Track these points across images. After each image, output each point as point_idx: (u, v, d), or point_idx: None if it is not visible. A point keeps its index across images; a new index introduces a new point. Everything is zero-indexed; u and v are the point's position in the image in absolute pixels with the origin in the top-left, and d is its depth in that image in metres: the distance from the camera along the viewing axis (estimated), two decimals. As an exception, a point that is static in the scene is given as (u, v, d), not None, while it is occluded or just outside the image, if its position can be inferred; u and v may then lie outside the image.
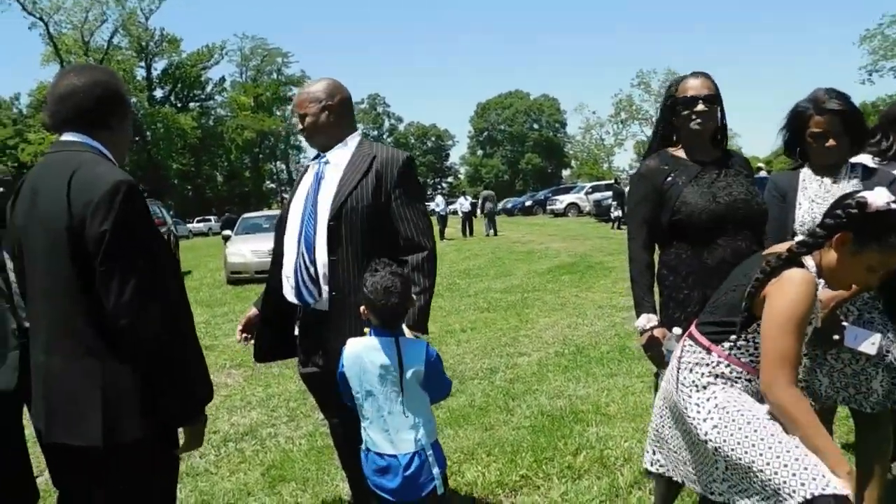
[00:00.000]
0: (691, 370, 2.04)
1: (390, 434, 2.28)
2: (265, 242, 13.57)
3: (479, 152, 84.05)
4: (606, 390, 4.88)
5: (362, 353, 2.29)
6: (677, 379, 2.08)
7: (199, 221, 48.46)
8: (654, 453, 2.27)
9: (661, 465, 2.25)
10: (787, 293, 1.81)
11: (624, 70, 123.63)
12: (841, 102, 2.57)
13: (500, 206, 35.97)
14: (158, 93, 59.77)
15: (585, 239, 18.53)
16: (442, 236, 23.64)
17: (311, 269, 2.59)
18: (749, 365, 1.99)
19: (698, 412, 2.00)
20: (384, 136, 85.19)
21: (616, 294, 8.95)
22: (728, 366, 2.01)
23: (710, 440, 1.95)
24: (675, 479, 2.19)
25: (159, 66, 59.45)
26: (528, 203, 42.03)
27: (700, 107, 2.56)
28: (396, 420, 2.26)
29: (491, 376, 5.50)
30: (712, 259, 2.50)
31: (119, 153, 2.04)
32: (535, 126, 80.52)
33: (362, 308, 2.30)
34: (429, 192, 78.07)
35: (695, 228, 2.51)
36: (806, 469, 1.76)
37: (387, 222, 2.63)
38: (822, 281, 2.59)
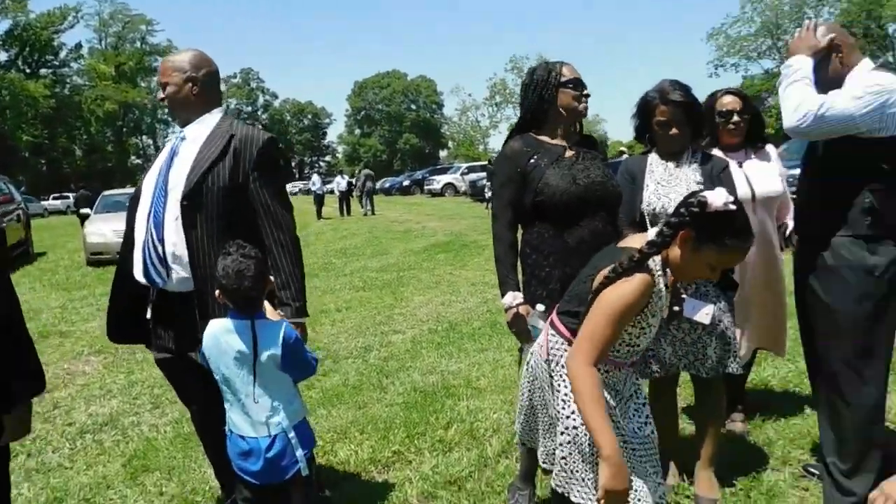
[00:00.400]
0: (558, 362, 2.08)
1: (250, 417, 2.25)
2: (127, 222, 12.87)
3: (357, 131, 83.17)
4: (477, 365, 5.03)
5: (219, 336, 2.24)
6: (549, 370, 2.11)
7: (55, 198, 44.95)
8: (523, 426, 2.34)
9: (528, 439, 2.35)
10: (623, 289, 1.88)
11: (498, 54, 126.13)
12: (683, 94, 2.77)
13: (378, 185, 35.80)
14: (2, 56, 54.54)
15: (461, 218, 18.85)
16: (319, 216, 23.26)
17: (159, 249, 2.48)
18: (608, 356, 2.00)
19: (564, 406, 2.04)
20: (258, 113, 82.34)
21: (489, 272, 9.17)
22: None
23: (565, 437, 2.02)
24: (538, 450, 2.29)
25: (2, 26, 54.18)
26: (405, 183, 42.12)
27: (587, 91, 2.70)
28: (254, 403, 2.24)
29: (365, 355, 5.53)
30: (572, 239, 2.60)
31: None
32: (413, 107, 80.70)
33: (217, 293, 2.24)
34: (306, 171, 76.46)
35: (556, 209, 2.59)
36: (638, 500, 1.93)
37: (245, 203, 2.55)
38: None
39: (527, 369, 2.30)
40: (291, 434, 2.24)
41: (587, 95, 2.70)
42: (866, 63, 2.50)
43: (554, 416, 2.10)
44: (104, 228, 12.56)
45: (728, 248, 1.88)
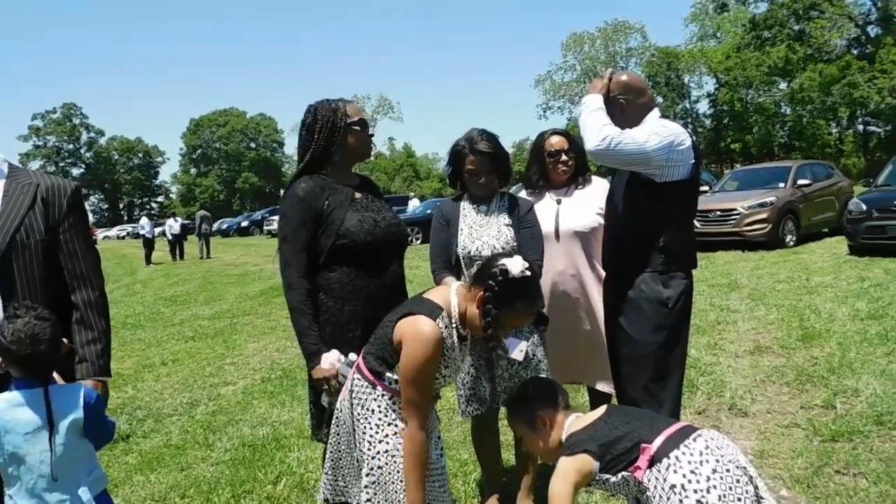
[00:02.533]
0: (363, 405, 2.10)
1: (44, 498, 2.01)
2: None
3: (193, 170, 79.69)
4: (308, 413, 4.89)
5: (3, 412, 1.99)
6: (352, 413, 2.13)
7: None
8: (331, 482, 2.30)
9: (336, 493, 2.30)
10: (416, 351, 1.98)
11: (339, 92, 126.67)
12: (490, 145, 2.91)
13: (215, 226, 34.36)
14: None
15: (303, 259, 18.46)
16: (148, 261, 21.89)
17: None
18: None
19: (370, 447, 2.07)
20: (81, 150, 76.62)
21: (328, 314, 9.06)
22: (391, 398, 2.09)
23: (370, 478, 2.06)
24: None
25: None
26: (244, 224, 40.84)
27: (372, 131, 2.73)
28: (51, 481, 2.00)
29: (191, 410, 5.21)
30: (375, 283, 2.57)
31: None
32: (253, 145, 78.87)
33: None
34: (135, 213, 71.86)
35: (358, 252, 2.53)
36: None
37: (56, 257, 2.33)
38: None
39: (334, 420, 2.27)
40: None
41: (371, 136, 2.73)
42: (655, 112, 2.84)
43: (359, 458, 2.11)
44: None
45: (516, 311, 2.03)
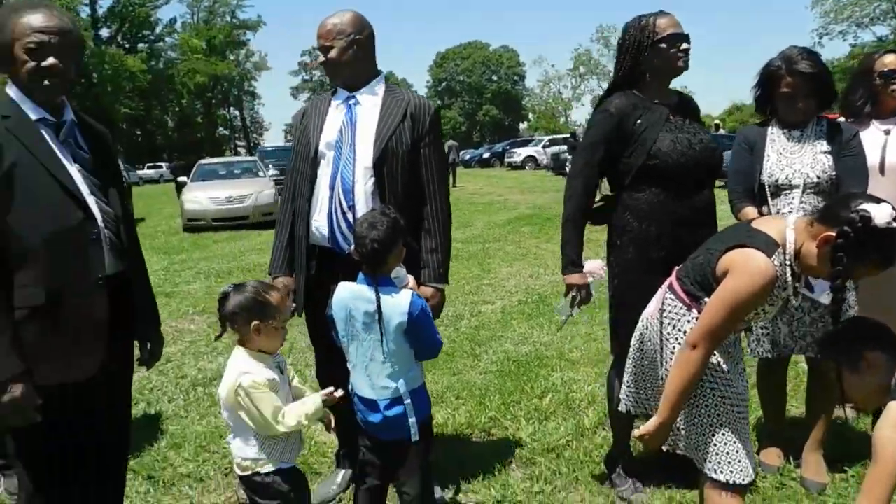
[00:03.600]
0: (674, 325, 2.10)
1: (371, 379, 2.28)
2: (222, 189, 13.38)
3: (438, 102, 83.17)
4: (569, 337, 5.02)
5: (348, 298, 2.27)
6: (661, 333, 2.13)
7: (149, 168, 47.06)
8: (633, 395, 2.35)
9: (637, 406, 2.35)
10: (744, 285, 1.87)
11: (584, 24, 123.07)
12: (812, 64, 2.62)
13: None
14: (104, 32, 57.07)
15: (543, 192, 18.64)
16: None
17: (349, 217, 2.53)
18: None
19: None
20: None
21: (576, 246, 9.10)
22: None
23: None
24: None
25: (105, 3, 56.67)
26: (485, 155, 41.92)
27: (685, 45, 2.54)
28: (377, 367, 2.26)
29: (456, 323, 5.60)
30: (684, 206, 2.51)
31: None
32: (494, 78, 79.86)
33: (352, 247, 2.26)
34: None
35: (671, 174, 2.49)
36: (739, 461, 2.01)
37: (418, 169, 2.61)
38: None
39: (636, 336, 2.29)
40: (408, 400, 2.26)
41: (685, 50, 2.54)
42: None
43: (663, 376, 2.11)
44: (200, 196, 13.13)
45: (867, 264, 1.82)
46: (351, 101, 2.66)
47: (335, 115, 2.68)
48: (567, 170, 23.28)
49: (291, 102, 78.44)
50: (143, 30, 59.47)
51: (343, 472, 2.95)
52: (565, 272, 2.65)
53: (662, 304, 2.15)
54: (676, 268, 2.19)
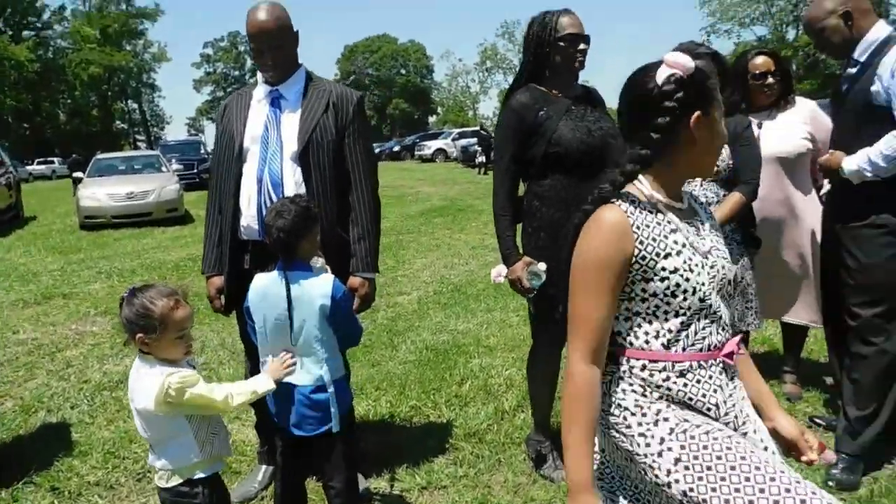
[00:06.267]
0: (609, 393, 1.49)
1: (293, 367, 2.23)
2: (122, 185, 12.77)
3: (361, 93, 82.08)
4: (486, 324, 5.09)
5: (268, 287, 2.23)
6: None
7: (39, 163, 44.20)
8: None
9: None
10: (584, 240, 1.45)
11: (489, 19, 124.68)
12: (707, 48, 2.78)
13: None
14: (-16, 19, 53.27)
15: (454, 183, 18.82)
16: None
17: None
18: (664, 350, 1.45)
19: (648, 446, 1.42)
20: (246, 76, 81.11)
21: (488, 235, 9.21)
22: (643, 366, 1.46)
23: (675, 481, 1.38)
24: None
25: (-17, -13, 52.76)
26: (396, 148, 41.88)
27: (583, 45, 2.62)
28: (297, 356, 2.22)
29: (373, 315, 5.55)
30: (587, 190, 2.57)
31: None
32: (403, 71, 79.80)
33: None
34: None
35: (572, 160, 2.56)
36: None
37: (341, 158, 2.59)
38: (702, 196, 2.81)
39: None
40: (331, 389, 2.23)
41: (582, 51, 2.62)
42: (881, 25, 2.56)
43: (641, 469, 1.48)
44: (98, 192, 12.48)
45: (718, 92, 1.51)
46: (274, 95, 2.63)
47: (258, 109, 2.65)
48: (476, 161, 23.65)
49: (194, 95, 75.69)
50: (29, 16, 55.80)
51: (264, 468, 2.89)
52: (507, 264, 2.67)
53: None
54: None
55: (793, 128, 3.24)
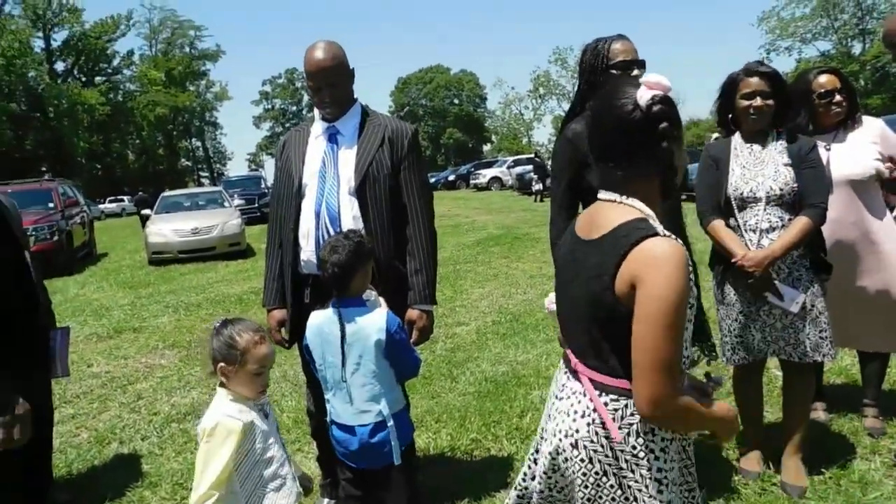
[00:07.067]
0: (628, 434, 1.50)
1: (352, 404, 2.27)
2: (187, 221, 13.21)
3: (416, 126, 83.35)
4: (546, 354, 5.03)
5: (323, 324, 2.27)
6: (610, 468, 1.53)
7: (111, 202, 46.31)
8: None
9: None
10: (665, 271, 1.36)
11: (542, 46, 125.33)
12: (767, 67, 2.78)
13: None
14: (60, 66, 56.38)
15: (510, 212, 18.79)
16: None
17: None
18: None
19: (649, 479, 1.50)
20: (304, 111, 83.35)
21: (545, 263, 9.14)
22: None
23: None
24: None
25: (59, 36, 55.99)
26: (451, 178, 42.12)
27: (636, 71, 2.56)
28: (356, 390, 2.25)
29: (432, 346, 5.56)
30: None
31: None
32: (456, 101, 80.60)
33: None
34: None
35: None
36: None
37: (398, 192, 2.65)
38: (753, 239, 2.75)
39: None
40: (391, 423, 2.25)
41: (636, 77, 2.57)
42: None
43: None
44: (164, 228, 12.94)
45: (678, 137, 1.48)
46: (331, 131, 2.70)
47: (316, 145, 2.72)
48: (532, 188, 23.52)
49: (254, 132, 78.11)
50: (100, 62, 58.85)
51: (326, 501, 2.91)
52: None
53: (584, 415, 1.55)
54: (566, 354, 1.66)
55: (863, 148, 3.11)
